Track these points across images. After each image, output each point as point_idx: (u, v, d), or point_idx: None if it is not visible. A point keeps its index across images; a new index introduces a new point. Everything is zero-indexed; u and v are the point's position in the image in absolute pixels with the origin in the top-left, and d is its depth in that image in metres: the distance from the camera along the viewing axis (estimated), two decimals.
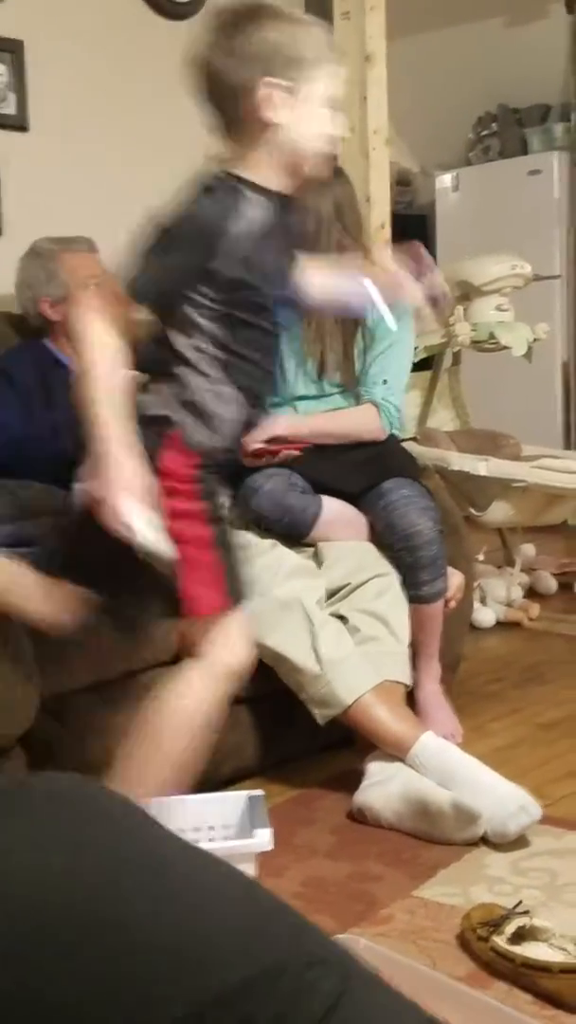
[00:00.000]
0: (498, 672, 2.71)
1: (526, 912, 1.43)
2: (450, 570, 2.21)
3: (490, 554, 3.52)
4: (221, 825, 1.70)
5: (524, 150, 4.83)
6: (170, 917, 0.64)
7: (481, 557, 3.52)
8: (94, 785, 0.73)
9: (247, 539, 2.12)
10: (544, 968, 1.33)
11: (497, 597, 3.19)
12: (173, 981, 0.62)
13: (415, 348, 3.14)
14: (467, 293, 3.10)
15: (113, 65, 3.03)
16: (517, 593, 3.23)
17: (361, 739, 1.95)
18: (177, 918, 0.64)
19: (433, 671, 2.24)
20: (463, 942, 1.44)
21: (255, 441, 2.20)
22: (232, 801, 1.72)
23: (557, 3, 4.87)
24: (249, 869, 1.58)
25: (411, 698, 2.15)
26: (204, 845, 1.51)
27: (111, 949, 0.62)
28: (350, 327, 2.30)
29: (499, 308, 3.07)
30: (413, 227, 5.09)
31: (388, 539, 2.13)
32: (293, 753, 2.08)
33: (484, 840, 1.72)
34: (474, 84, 5.06)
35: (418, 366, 3.32)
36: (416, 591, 2.12)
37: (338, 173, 2.28)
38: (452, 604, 2.24)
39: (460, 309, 3.12)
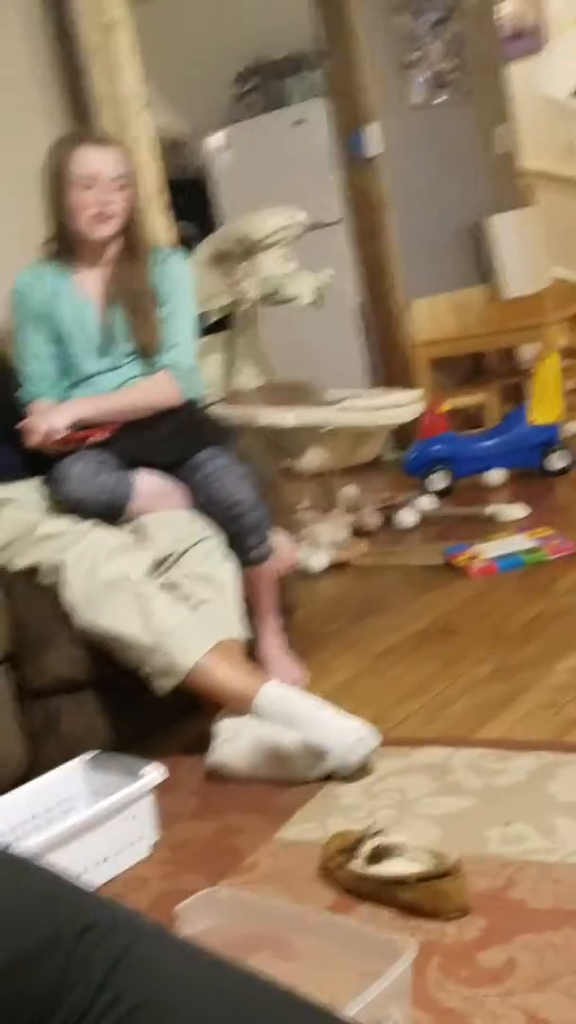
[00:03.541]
0: (334, 612, 2.79)
1: (379, 832, 1.49)
2: (278, 536, 2.25)
3: (314, 500, 3.60)
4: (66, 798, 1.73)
5: (286, 101, 4.88)
6: None
7: (306, 504, 3.60)
8: None
9: (64, 526, 2.11)
10: (401, 881, 1.39)
11: (326, 541, 3.27)
12: None
13: (208, 311, 3.17)
14: (249, 249, 3.12)
15: None
16: (344, 534, 3.32)
17: (208, 701, 1.98)
18: None
19: (271, 626, 2.30)
20: (325, 873, 1.49)
21: (57, 429, 2.19)
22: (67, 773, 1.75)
23: None
24: (147, 807, 1.66)
25: (253, 653, 2.20)
26: (101, 802, 1.57)
27: None
28: (142, 295, 2.29)
29: (281, 260, 3.10)
30: (192, 191, 5.08)
31: (210, 510, 2.16)
32: (145, 729, 2.09)
33: (334, 774, 1.79)
34: (229, 40, 5.06)
35: (215, 328, 3.35)
36: (244, 556, 2.16)
37: None
38: (287, 570, 2.29)
39: (244, 266, 3.14)
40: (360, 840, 1.47)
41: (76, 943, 0.66)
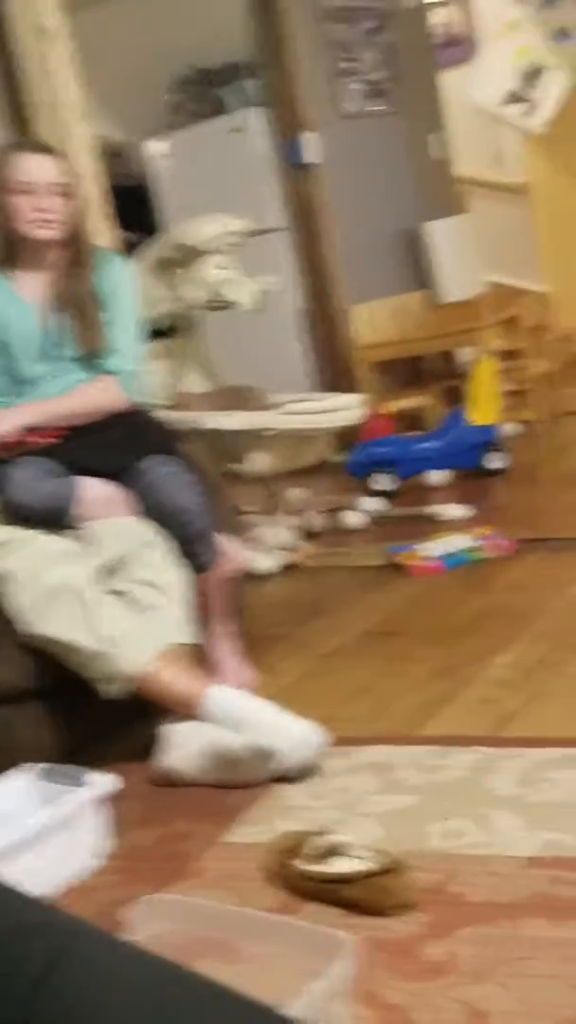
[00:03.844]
0: (282, 614, 2.82)
1: (323, 831, 1.52)
2: (224, 539, 2.26)
3: (259, 503, 3.62)
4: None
5: (224, 109, 4.90)
6: None
7: (253, 508, 3.62)
8: None
9: (8, 533, 2.10)
10: (346, 880, 1.42)
11: (273, 543, 3.30)
12: None
13: (151, 317, 3.17)
14: (189, 256, 3.14)
15: None
16: (291, 536, 3.35)
17: (157, 706, 1.99)
18: None
19: (222, 630, 2.31)
20: (271, 874, 1.51)
21: (2, 434, 2.19)
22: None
23: None
24: (95, 816, 1.64)
25: (205, 658, 2.21)
26: (48, 812, 1.56)
27: None
28: (86, 299, 2.30)
29: (221, 267, 3.13)
30: (134, 197, 5.08)
31: (156, 517, 2.16)
32: (92, 736, 2.10)
33: (281, 775, 1.81)
34: (166, 49, 5.06)
35: (159, 335, 3.36)
36: (192, 561, 2.17)
37: None
38: (236, 572, 2.31)
39: (185, 273, 3.16)
40: (305, 840, 1.50)
41: (12, 943, 0.68)
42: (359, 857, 1.46)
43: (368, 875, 1.40)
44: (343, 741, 1.89)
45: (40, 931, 0.69)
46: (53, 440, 2.23)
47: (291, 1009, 1.02)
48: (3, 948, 0.67)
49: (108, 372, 2.31)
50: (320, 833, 1.51)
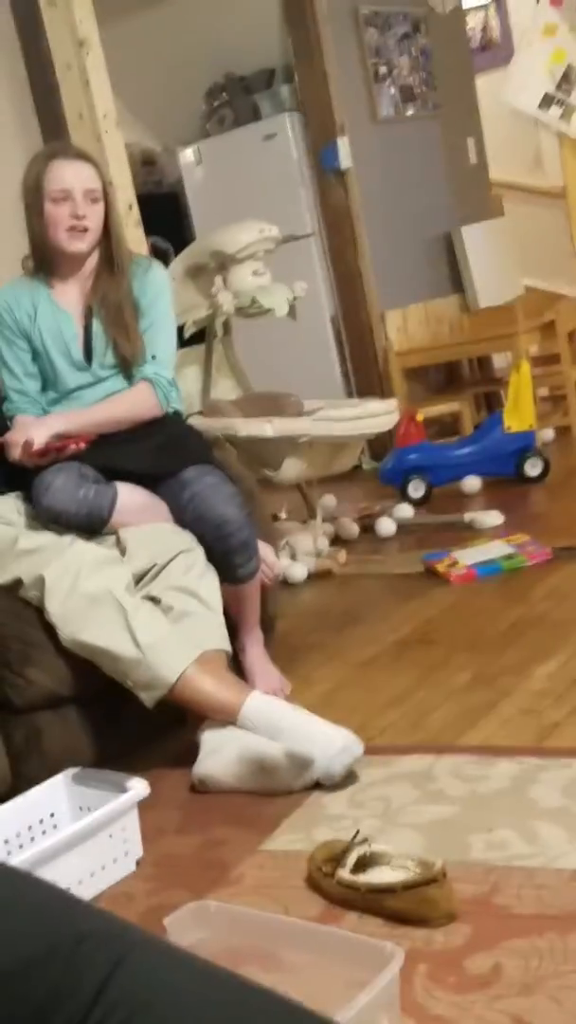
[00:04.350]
0: (316, 622, 2.80)
1: (365, 841, 1.50)
2: (261, 549, 2.25)
3: (293, 510, 3.61)
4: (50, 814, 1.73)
5: (257, 115, 4.91)
6: None
7: (284, 515, 3.61)
8: None
9: (45, 540, 2.11)
10: (388, 890, 1.40)
11: (305, 551, 3.28)
12: None
13: (184, 324, 3.18)
14: (223, 263, 3.14)
15: None
16: (323, 543, 3.33)
17: (193, 713, 1.98)
18: None
19: (254, 637, 2.30)
20: (312, 883, 1.50)
21: (38, 441, 2.19)
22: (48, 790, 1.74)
23: None
24: (132, 822, 1.65)
25: (237, 665, 2.20)
26: (86, 818, 1.57)
27: None
28: (122, 307, 2.30)
29: (255, 273, 3.13)
30: (165, 205, 5.10)
31: (198, 529, 2.16)
32: (127, 744, 2.09)
33: (319, 784, 1.79)
34: (199, 57, 5.08)
35: (191, 341, 3.36)
36: (231, 574, 2.16)
37: None
38: (270, 582, 2.30)
39: (219, 279, 3.16)
40: (346, 850, 1.48)
41: (72, 953, 0.67)
42: (401, 867, 1.44)
43: (411, 885, 1.38)
44: (381, 750, 1.88)
45: (98, 941, 0.69)
46: (86, 445, 2.23)
47: (339, 1019, 1.00)
48: (63, 959, 0.67)
49: (144, 379, 2.31)
50: (361, 843, 1.49)
